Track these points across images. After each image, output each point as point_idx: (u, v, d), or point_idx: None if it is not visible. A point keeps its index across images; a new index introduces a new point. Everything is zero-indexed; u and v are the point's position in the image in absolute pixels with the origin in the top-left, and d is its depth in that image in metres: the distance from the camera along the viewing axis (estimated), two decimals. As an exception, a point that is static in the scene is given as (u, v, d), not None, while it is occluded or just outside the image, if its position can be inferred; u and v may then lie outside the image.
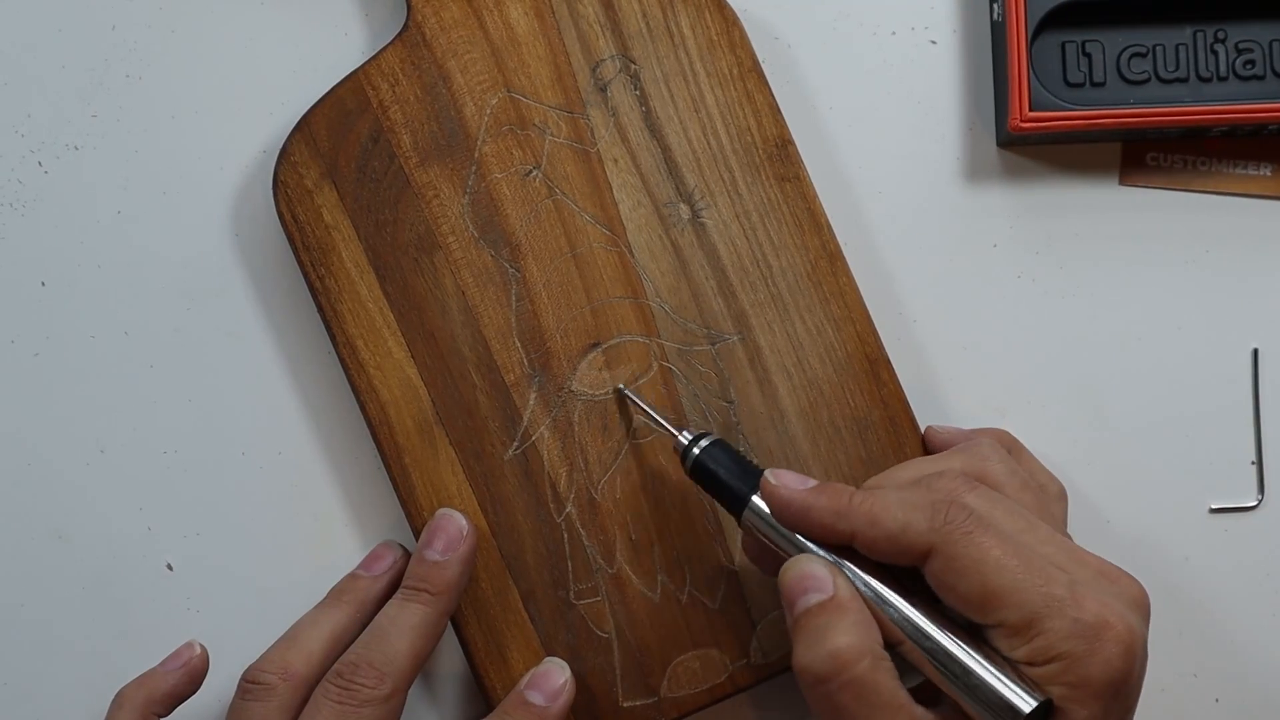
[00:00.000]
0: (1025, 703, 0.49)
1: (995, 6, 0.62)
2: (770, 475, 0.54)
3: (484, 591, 0.60)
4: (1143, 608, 0.52)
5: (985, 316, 0.64)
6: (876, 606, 0.52)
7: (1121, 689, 0.49)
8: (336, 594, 0.60)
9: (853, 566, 0.53)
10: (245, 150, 0.64)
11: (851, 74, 0.64)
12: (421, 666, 0.58)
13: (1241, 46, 0.62)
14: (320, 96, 0.61)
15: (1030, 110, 0.61)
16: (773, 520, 0.54)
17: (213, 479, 0.64)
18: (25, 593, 0.64)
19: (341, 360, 0.60)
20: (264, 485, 0.63)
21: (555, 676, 0.59)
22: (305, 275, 0.61)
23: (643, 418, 0.60)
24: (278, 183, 0.61)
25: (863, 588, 0.52)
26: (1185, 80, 0.62)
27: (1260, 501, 0.64)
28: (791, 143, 0.61)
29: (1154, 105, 0.61)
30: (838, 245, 0.61)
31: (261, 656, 0.58)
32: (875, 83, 0.64)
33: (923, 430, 0.61)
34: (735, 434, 0.61)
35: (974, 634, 0.52)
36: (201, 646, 0.60)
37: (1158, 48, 0.62)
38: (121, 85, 0.64)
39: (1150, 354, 0.64)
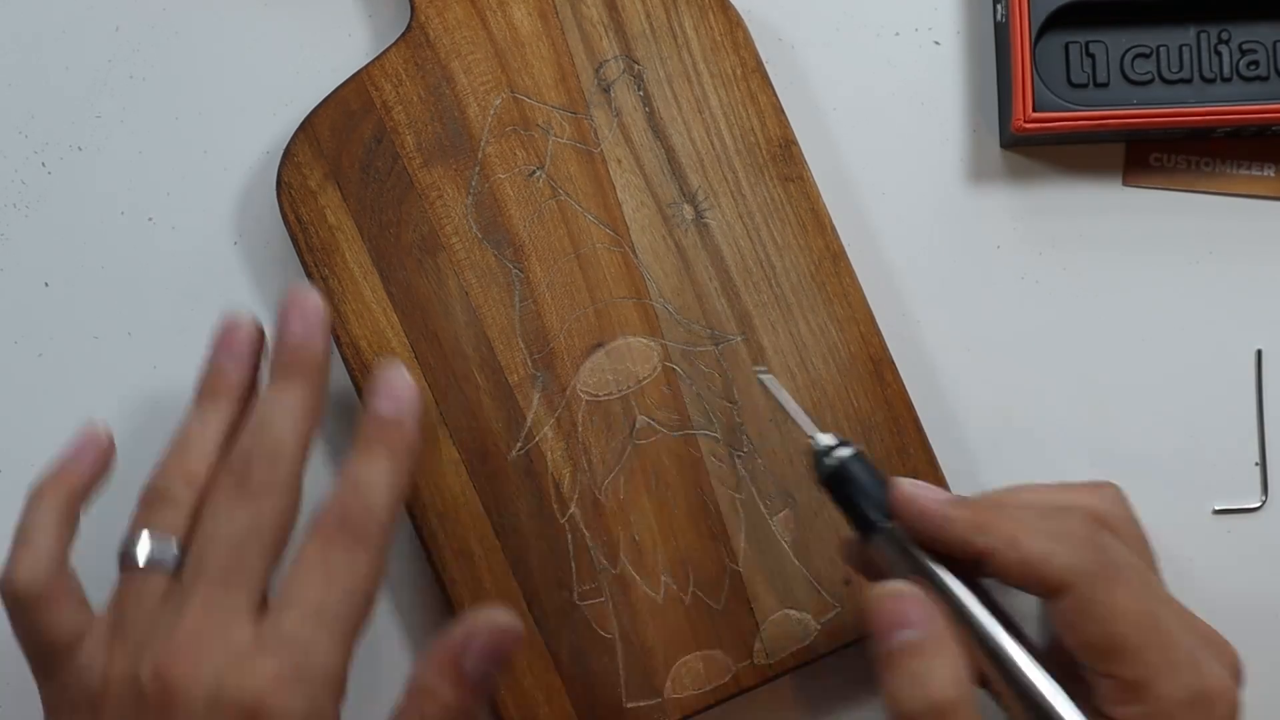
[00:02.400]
0: None
1: (999, 7, 0.62)
2: (906, 483, 0.52)
3: (487, 592, 0.60)
4: (1240, 674, 0.52)
5: (988, 318, 0.64)
6: (981, 645, 0.50)
7: None
8: (210, 392, 0.56)
9: (969, 595, 0.51)
10: (249, 151, 0.64)
11: (855, 75, 0.64)
12: (309, 451, 0.54)
13: (1245, 47, 0.62)
14: (324, 97, 0.61)
15: (1034, 111, 0.60)
16: (907, 543, 0.52)
17: None
18: (28, 593, 0.64)
19: (345, 361, 0.60)
20: None
21: (393, 377, 0.55)
22: (309, 276, 0.61)
23: (780, 409, 0.57)
24: (281, 183, 0.61)
25: (981, 617, 0.50)
26: (1189, 81, 0.62)
27: (1264, 503, 0.63)
28: (795, 143, 0.61)
29: (1158, 106, 0.61)
30: (841, 246, 0.61)
31: (161, 466, 0.54)
32: (878, 84, 0.64)
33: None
34: (739, 435, 0.61)
35: (1067, 670, 0.50)
36: (104, 423, 0.57)
37: (1161, 48, 0.62)
38: (125, 86, 0.64)
39: (1154, 355, 0.64)
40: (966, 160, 0.64)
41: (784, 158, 0.61)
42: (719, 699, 0.61)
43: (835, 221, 0.61)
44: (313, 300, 0.55)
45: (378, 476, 0.53)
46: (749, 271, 0.61)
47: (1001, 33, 0.62)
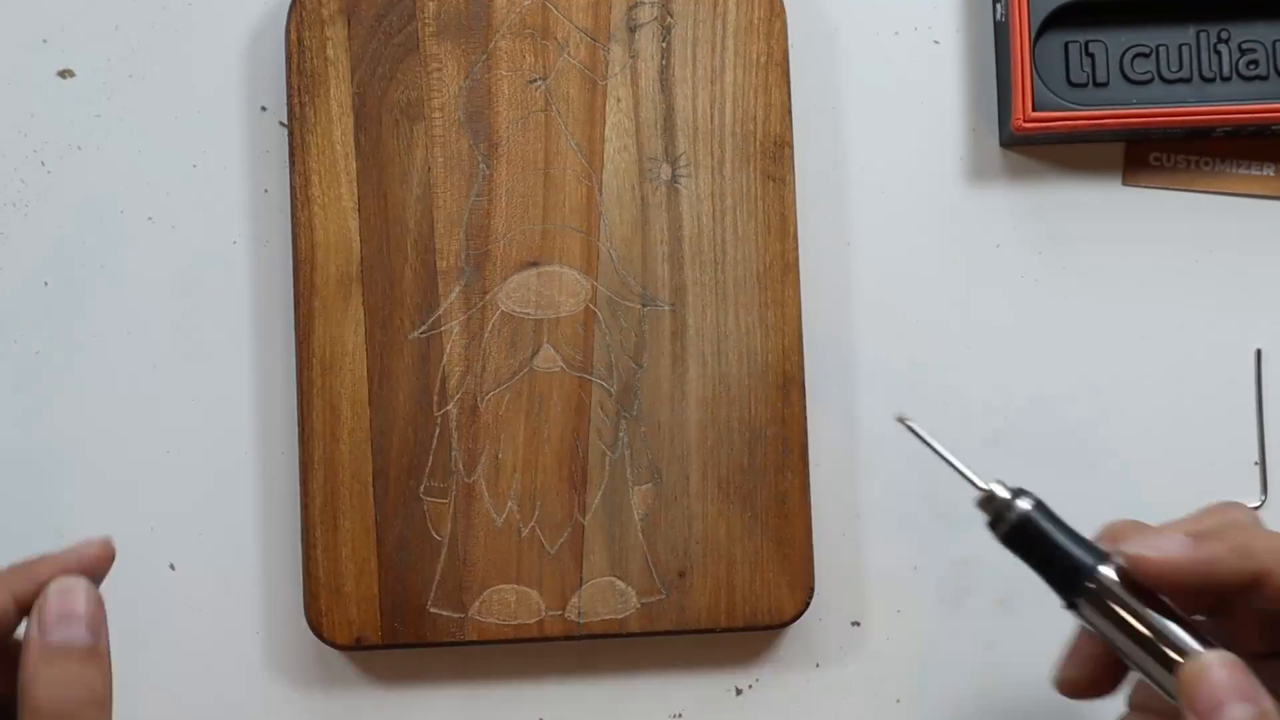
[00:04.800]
0: None
1: (998, 6, 0.62)
2: (1134, 549, 0.46)
3: (341, 452, 0.60)
4: None
5: (988, 317, 0.63)
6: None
7: None
8: None
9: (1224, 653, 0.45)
10: (249, 151, 0.64)
11: (854, 74, 0.64)
12: None
13: (1245, 47, 0.61)
14: (367, -62, 0.61)
15: (1033, 110, 0.60)
16: (1126, 595, 0.45)
17: (215, 479, 0.63)
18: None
19: (291, 189, 0.61)
20: (267, 486, 0.63)
21: (74, 599, 0.47)
22: (288, 99, 0.61)
23: (936, 456, 0.50)
24: (296, 1, 0.61)
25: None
26: (1188, 80, 0.61)
27: (1263, 502, 0.63)
28: (789, 146, 0.61)
29: (1157, 105, 0.61)
30: (796, 257, 0.61)
31: None
32: (878, 83, 0.64)
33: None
34: (633, 397, 0.61)
35: None
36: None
37: (1161, 48, 0.61)
38: (125, 85, 0.64)
39: (1153, 354, 0.63)
40: (966, 159, 0.64)
41: (775, 156, 0.61)
42: (519, 637, 0.60)
43: (835, 221, 0.61)
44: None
45: None
46: (700, 249, 0.61)
47: (1001, 32, 0.62)
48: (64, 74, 0.63)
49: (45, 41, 0.64)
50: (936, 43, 0.64)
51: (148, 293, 0.63)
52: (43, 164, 0.64)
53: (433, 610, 0.60)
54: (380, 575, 0.60)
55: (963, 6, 0.64)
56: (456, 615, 0.60)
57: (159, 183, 0.64)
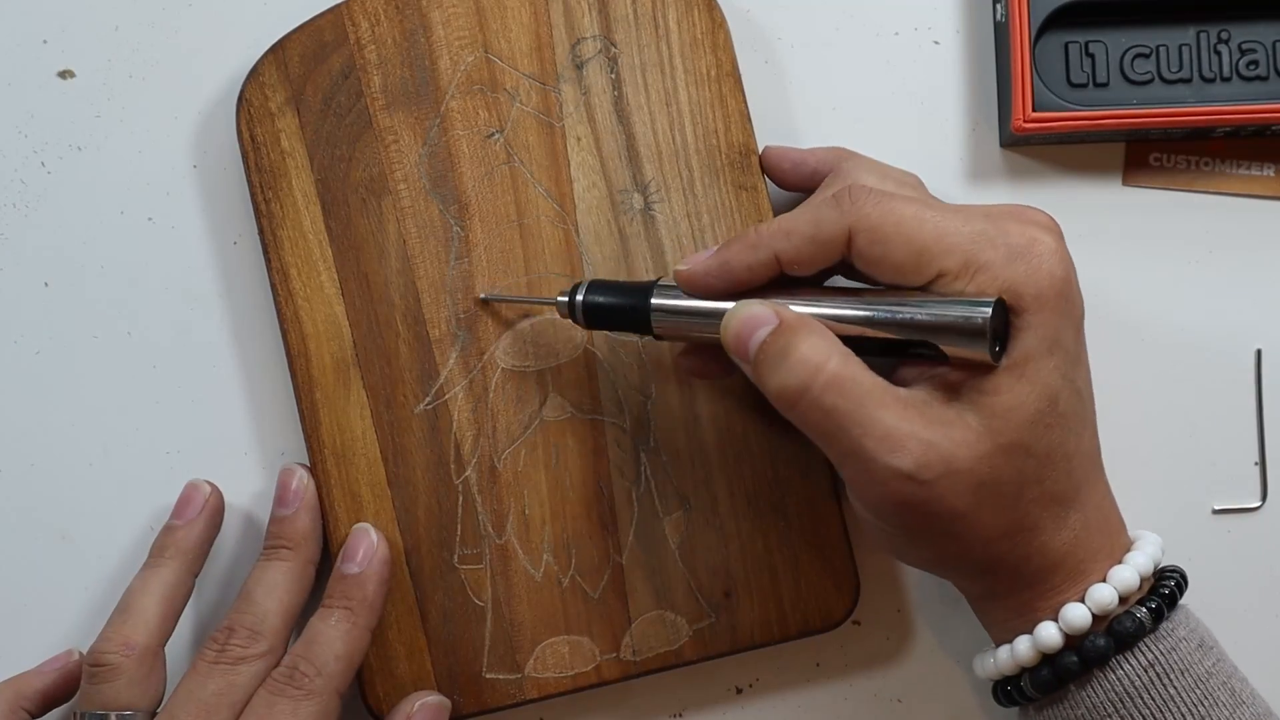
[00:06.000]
0: (982, 310, 0.50)
1: (998, 7, 0.62)
2: (679, 265, 0.55)
3: (369, 538, 0.60)
4: (1054, 228, 0.53)
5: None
6: (822, 320, 0.53)
7: (1068, 292, 0.52)
8: (158, 551, 0.60)
9: (782, 300, 0.53)
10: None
11: (855, 75, 0.64)
12: (295, 618, 0.59)
13: (1245, 47, 0.61)
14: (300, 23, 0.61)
15: (1033, 111, 0.60)
16: (686, 305, 0.54)
17: (215, 479, 0.62)
18: (29, 593, 0.63)
19: (272, 286, 0.61)
20: (267, 486, 0.62)
21: (361, 540, 0.59)
22: (252, 197, 0.61)
23: (517, 307, 0.61)
24: (242, 99, 0.61)
25: (800, 307, 0.53)
26: (1189, 81, 0.61)
27: (1264, 503, 0.63)
28: (755, 152, 0.61)
29: (1157, 106, 0.61)
30: (782, 262, 0.61)
31: (100, 635, 0.58)
32: (878, 83, 0.64)
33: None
34: (647, 429, 0.61)
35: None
36: (80, 653, 0.61)
37: (1161, 48, 0.62)
38: (125, 85, 0.64)
39: (1153, 355, 0.63)
40: (966, 160, 0.64)
41: (742, 165, 0.61)
42: (578, 686, 0.60)
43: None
44: (299, 479, 0.60)
45: (332, 632, 0.57)
46: (686, 271, 0.61)
47: (1001, 33, 0.62)
48: (64, 74, 0.63)
49: (45, 41, 0.64)
50: (936, 43, 0.64)
51: (148, 293, 0.63)
52: (43, 164, 0.64)
53: (489, 676, 0.60)
54: (430, 651, 0.60)
55: (963, 7, 0.64)
56: (513, 676, 0.60)
57: (159, 183, 0.64)
